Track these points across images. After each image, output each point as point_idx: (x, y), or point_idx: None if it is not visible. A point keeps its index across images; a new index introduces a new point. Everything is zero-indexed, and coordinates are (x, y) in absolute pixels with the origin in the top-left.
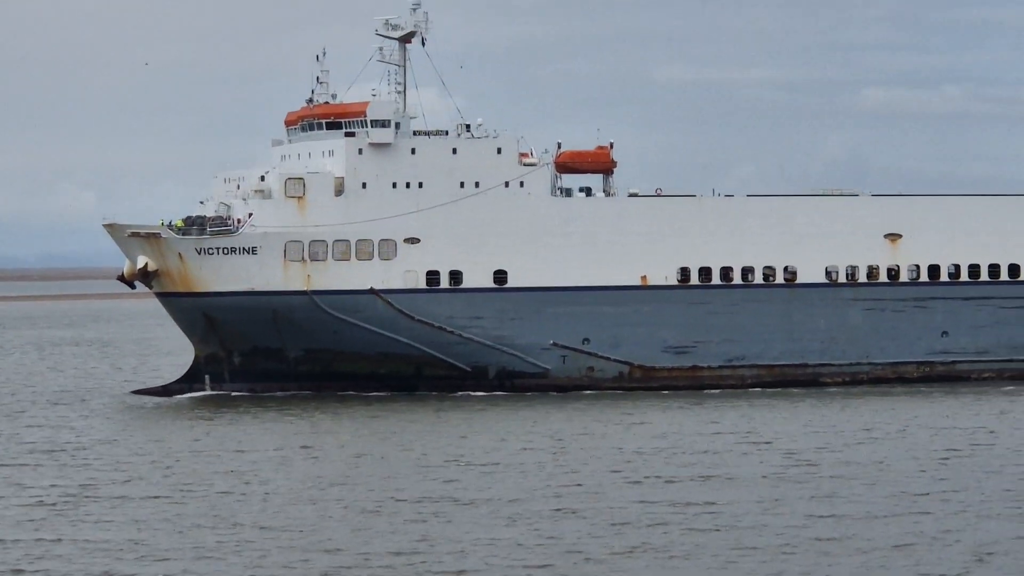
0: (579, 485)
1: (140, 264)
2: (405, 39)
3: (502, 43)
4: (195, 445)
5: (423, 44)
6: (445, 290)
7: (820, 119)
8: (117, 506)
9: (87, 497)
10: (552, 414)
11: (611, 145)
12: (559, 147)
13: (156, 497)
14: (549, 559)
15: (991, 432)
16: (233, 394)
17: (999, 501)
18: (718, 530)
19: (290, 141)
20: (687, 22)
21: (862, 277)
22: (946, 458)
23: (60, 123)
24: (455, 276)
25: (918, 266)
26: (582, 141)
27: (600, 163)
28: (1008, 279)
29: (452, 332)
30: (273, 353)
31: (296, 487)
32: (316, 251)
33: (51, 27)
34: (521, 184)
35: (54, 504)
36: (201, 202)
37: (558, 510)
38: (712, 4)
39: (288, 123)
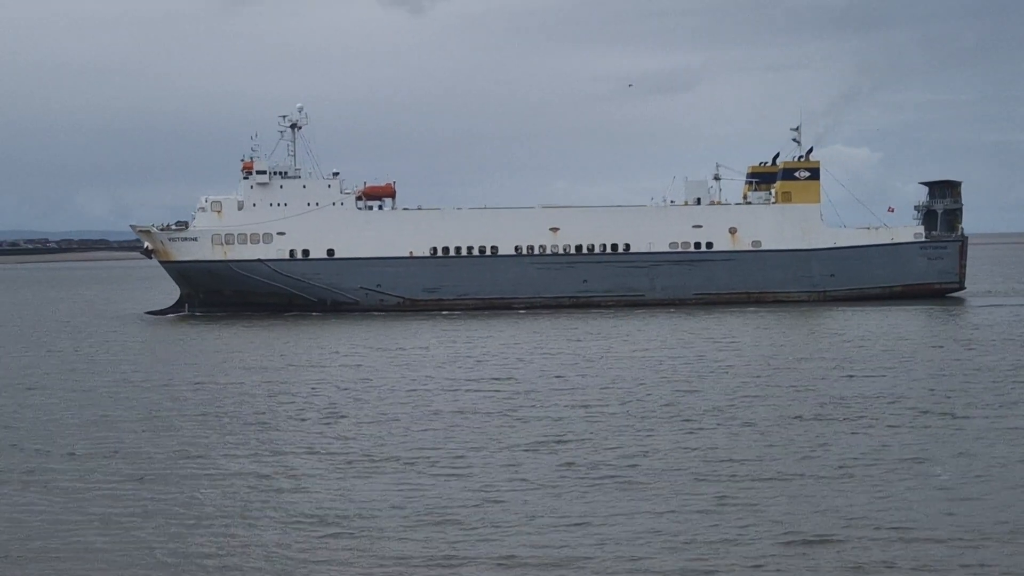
0: None
1: (145, 245)
2: (294, 126)
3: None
4: (180, 335)
5: (299, 128)
6: (299, 260)
7: None
8: None
9: None
10: None
11: (394, 183)
12: (364, 184)
13: None
14: None
15: None
16: (197, 313)
17: None
18: None
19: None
20: None
21: None
22: None
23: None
24: (305, 252)
25: None
26: (379, 178)
27: (387, 192)
28: None
29: (305, 281)
30: (213, 293)
31: None
32: (230, 239)
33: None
34: (342, 204)
35: None
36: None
37: None
38: None
39: (242, 170)
